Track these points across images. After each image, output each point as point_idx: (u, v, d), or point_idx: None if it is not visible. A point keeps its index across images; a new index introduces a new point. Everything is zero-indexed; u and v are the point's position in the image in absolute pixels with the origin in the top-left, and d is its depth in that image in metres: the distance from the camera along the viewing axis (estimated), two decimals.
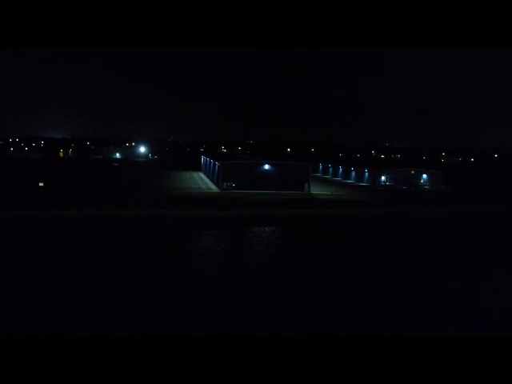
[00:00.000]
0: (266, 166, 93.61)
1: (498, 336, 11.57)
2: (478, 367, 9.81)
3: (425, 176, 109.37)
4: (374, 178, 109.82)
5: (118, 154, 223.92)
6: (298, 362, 10.27)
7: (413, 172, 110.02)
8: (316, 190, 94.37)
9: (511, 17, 11.40)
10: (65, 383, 9.36)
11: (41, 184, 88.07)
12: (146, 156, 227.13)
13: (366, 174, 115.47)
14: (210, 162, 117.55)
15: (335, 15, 11.89)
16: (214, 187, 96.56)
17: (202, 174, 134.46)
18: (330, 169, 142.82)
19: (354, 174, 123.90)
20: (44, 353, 10.16)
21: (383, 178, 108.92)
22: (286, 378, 9.79)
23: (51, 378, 9.42)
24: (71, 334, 25.19)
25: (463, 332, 27.38)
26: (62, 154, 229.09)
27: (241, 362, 10.16)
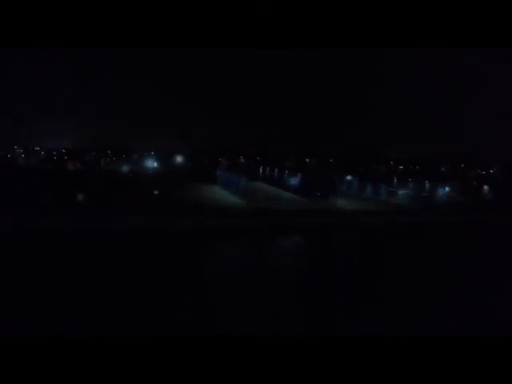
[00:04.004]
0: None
1: (498, 336, 11.55)
2: (478, 367, 9.80)
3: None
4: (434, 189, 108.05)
5: (125, 166, 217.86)
6: (298, 362, 10.26)
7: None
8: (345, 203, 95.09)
9: (511, 17, 11.39)
10: (65, 383, 9.35)
11: (79, 196, 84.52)
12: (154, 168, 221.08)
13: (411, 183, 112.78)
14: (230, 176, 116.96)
15: (335, 15, 11.89)
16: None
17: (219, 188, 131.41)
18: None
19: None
20: (44, 353, 10.15)
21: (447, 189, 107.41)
22: (286, 378, 9.79)
23: (51, 378, 9.41)
24: (71, 333, 25.16)
25: (463, 332, 27.37)
26: (73, 166, 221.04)
27: (241, 361, 10.15)
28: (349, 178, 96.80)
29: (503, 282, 40.56)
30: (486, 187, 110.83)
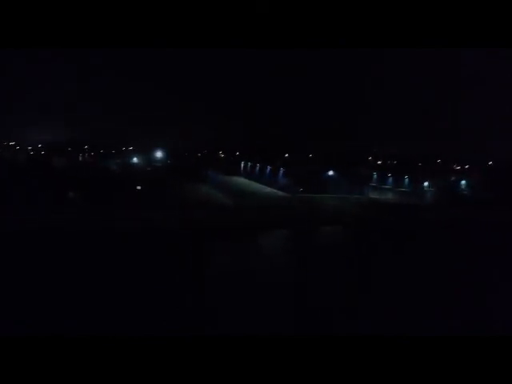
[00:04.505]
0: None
1: (498, 336, 11.55)
2: (478, 367, 9.80)
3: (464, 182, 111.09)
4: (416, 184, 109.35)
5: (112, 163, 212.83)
6: (298, 362, 10.27)
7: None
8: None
9: (511, 17, 11.39)
10: (65, 383, 9.36)
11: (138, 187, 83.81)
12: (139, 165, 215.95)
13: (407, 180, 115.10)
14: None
15: (335, 15, 11.90)
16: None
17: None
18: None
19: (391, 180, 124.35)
20: (44, 353, 10.15)
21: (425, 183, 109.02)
22: (286, 378, 9.79)
23: (51, 378, 9.41)
24: (71, 333, 25.15)
25: (463, 332, 27.38)
26: (55, 162, 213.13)
27: (241, 361, 10.15)
28: (331, 173, 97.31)
29: (498, 282, 40.54)
30: (463, 182, 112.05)
